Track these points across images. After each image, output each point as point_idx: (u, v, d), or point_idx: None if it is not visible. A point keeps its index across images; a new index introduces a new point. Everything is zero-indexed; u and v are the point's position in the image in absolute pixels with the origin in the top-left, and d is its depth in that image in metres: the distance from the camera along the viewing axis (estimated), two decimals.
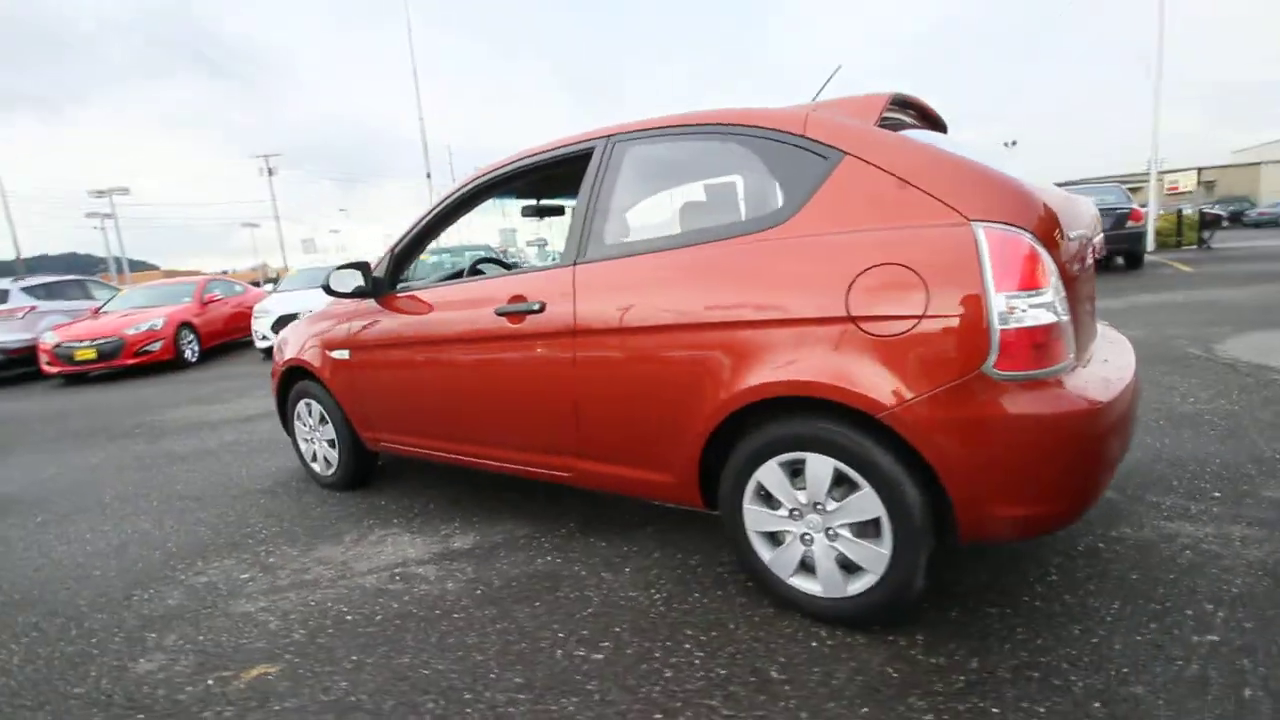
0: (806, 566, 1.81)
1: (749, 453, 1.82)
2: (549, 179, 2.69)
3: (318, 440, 3.31)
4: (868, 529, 1.68)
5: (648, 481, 2.07)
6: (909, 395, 1.53)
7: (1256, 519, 2.18)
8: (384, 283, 2.81)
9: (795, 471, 1.77)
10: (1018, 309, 1.46)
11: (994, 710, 1.45)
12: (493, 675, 1.73)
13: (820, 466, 1.70)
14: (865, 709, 1.49)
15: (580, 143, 2.29)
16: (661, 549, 2.36)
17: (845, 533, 1.71)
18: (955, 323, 1.49)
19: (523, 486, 3.09)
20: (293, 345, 3.33)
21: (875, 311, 1.57)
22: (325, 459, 3.30)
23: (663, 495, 2.08)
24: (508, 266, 3.61)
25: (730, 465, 1.87)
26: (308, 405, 3.30)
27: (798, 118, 1.83)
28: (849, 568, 1.74)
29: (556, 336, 2.14)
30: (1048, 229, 1.54)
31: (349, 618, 2.09)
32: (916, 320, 1.53)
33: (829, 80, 2.31)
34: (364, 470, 3.26)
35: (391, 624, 2.03)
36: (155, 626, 2.14)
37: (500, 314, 2.29)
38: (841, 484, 1.70)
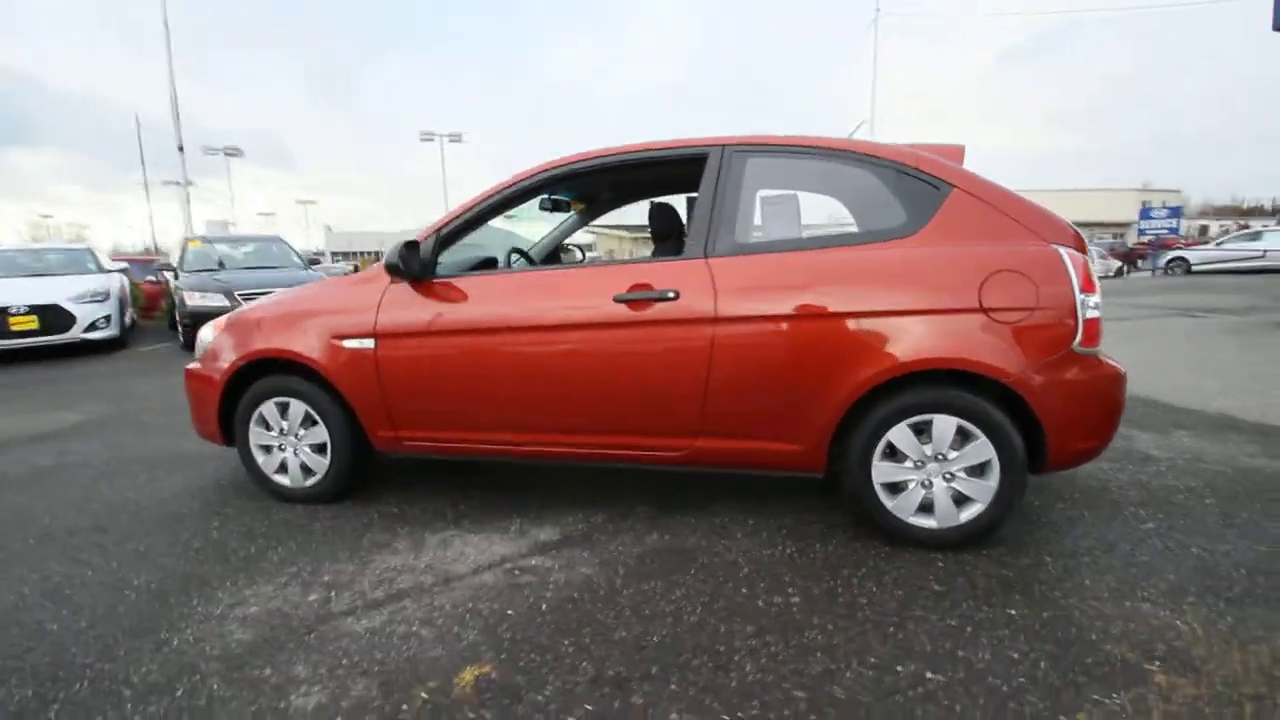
0: (924, 507, 2.28)
1: (881, 418, 2.24)
2: (632, 179, 2.79)
3: (295, 446, 2.82)
4: (976, 470, 2.22)
5: (776, 451, 2.36)
6: (1027, 365, 2.11)
7: (1106, 459, 3.26)
8: (430, 266, 2.61)
9: (917, 430, 2.24)
10: (1087, 304, 2.14)
11: (1087, 582, 2.07)
12: (723, 629, 1.87)
13: (945, 424, 2.20)
14: (1016, 596, 2.00)
15: (688, 146, 2.49)
16: (751, 516, 2.63)
17: (961, 474, 2.23)
18: (1057, 314, 2.11)
19: (549, 477, 3.07)
20: (254, 335, 2.81)
21: (1002, 304, 2.13)
22: (304, 467, 2.84)
23: (785, 463, 2.38)
24: (530, 258, 3.49)
25: (861, 430, 2.26)
26: (281, 406, 2.80)
27: (911, 155, 2.33)
28: (959, 502, 2.26)
29: (693, 322, 2.31)
30: (1084, 249, 2.26)
31: (509, 612, 1.98)
32: (1030, 311, 2.12)
33: (856, 129, 2.88)
34: (360, 476, 2.89)
35: (565, 609, 1.99)
36: (257, 664, 1.76)
37: (620, 301, 2.37)
38: (958, 436, 2.21)
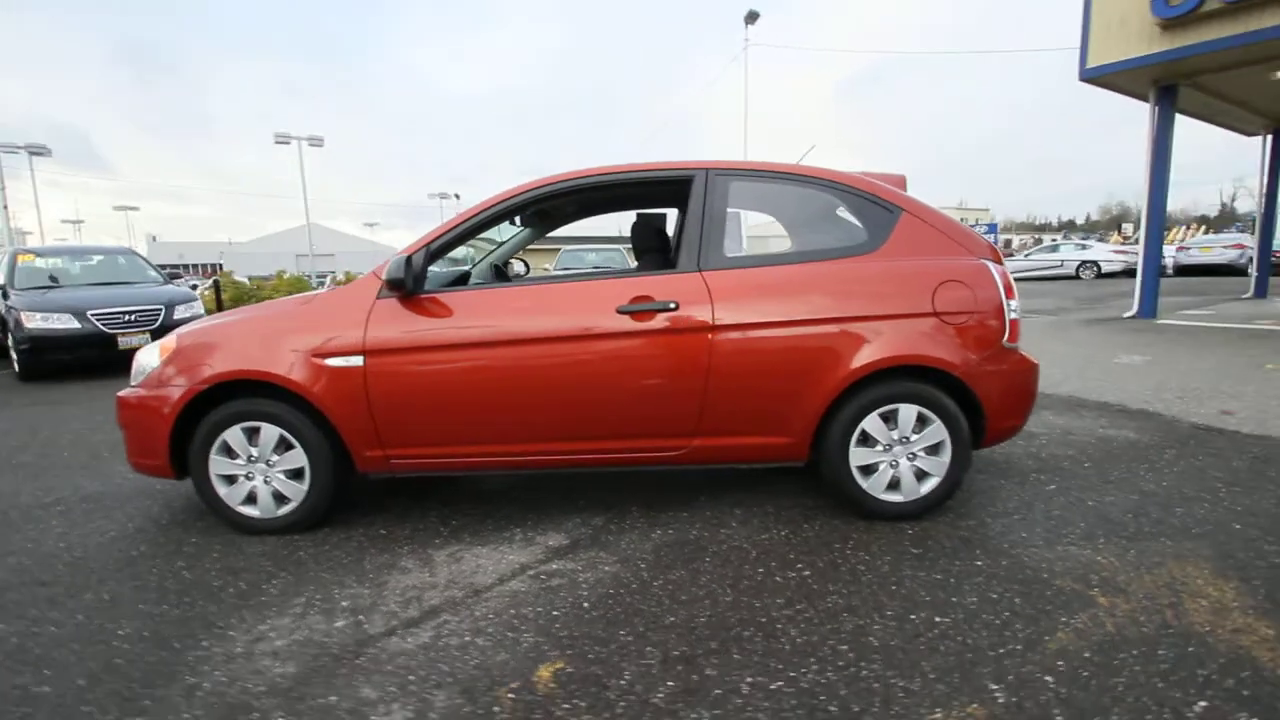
0: (892, 485, 2.64)
1: (857, 409, 2.57)
2: (606, 197, 2.94)
3: (265, 474, 2.66)
4: (933, 449, 2.62)
5: (766, 445, 2.62)
6: (971, 359, 2.54)
7: None
8: (420, 280, 2.60)
9: (885, 418, 2.60)
10: (1011, 307, 2.62)
11: (1024, 534, 2.52)
12: (758, 604, 2.08)
13: (908, 412, 2.58)
14: (978, 550, 2.40)
15: (676, 169, 2.70)
16: (737, 507, 2.87)
17: (921, 454, 2.61)
18: (991, 316, 2.56)
19: (532, 487, 3.12)
20: (217, 356, 2.62)
21: (949, 309, 2.54)
22: (277, 495, 2.68)
23: (774, 455, 2.65)
24: (503, 274, 3.47)
25: (839, 420, 2.58)
26: (248, 432, 2.63)
27: (868, 182, 2.70)
28: (919, 478, 2.64)
29: (692, 331, 2.51)
30: (1000, 260, 2.75)
31: (555, 613, 2.06)
32: (970, 314, 2.55)
33: (806, 153, 3.24)
34: (337, 501, 2.77)
35: (608, 604, 2.10)
36: (316, 693, 1.71)
37: (623, 312, 2.52)
38: (918, 421, 2.60)
